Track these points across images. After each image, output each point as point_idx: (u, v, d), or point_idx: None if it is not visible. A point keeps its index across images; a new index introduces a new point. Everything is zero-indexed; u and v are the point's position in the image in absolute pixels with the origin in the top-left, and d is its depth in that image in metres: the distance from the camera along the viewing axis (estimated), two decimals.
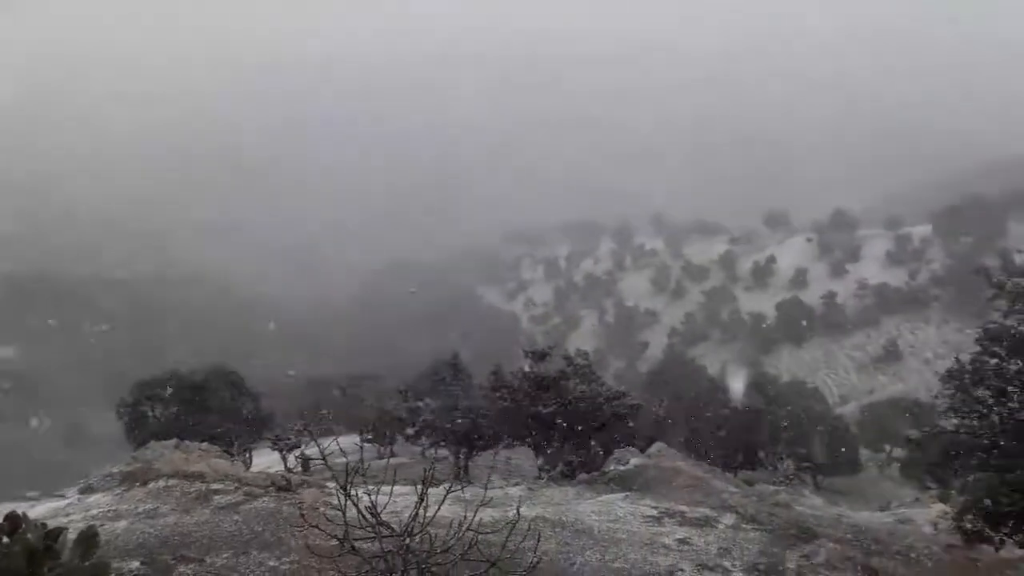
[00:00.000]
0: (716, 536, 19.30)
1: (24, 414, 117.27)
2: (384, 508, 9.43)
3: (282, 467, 36.64)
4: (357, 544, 8.61)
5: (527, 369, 29.61)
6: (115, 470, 22.20)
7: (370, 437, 44.96)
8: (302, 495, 20.54)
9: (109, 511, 17.99)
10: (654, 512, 21.48)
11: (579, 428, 28.46)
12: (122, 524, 16.78)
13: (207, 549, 15.37)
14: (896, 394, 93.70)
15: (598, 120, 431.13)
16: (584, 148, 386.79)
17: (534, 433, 29.29)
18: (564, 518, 19.64)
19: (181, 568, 13.97)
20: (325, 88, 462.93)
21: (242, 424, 39.65)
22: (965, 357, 15.70)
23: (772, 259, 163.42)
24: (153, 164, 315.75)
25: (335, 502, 8.76)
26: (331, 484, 16.44)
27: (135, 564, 13.81)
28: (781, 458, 41.86)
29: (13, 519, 6.52)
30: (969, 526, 15.66)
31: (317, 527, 9.02)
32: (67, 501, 21.33)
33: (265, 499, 19.59)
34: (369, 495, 8.90)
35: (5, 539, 6.36)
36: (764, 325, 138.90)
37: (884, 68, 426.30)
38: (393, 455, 44.58)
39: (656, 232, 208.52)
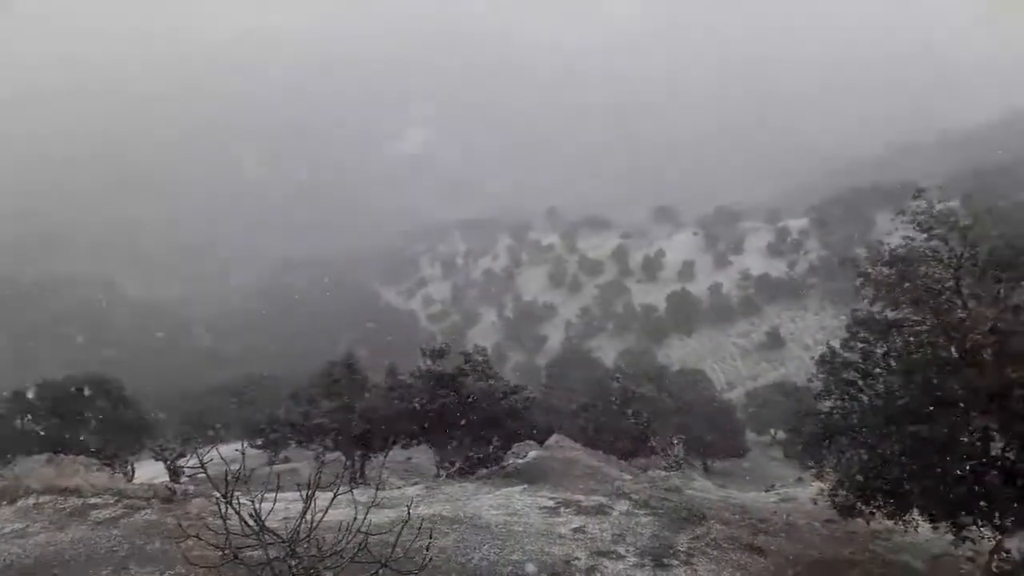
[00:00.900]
0: (611, 523, 19.79)
1: None
2: (269, 515, 9.15)
3: (167, 478, 34.98)
4: (243, 553, 8.31)
5: (424, 367, 29.37)
6: None
7: (260, 443, 43.56)
8: (188, 506, 19.75)
9: None
10: (551, 503, 21.81)
11: (477, 424, 28.49)
12: None
13: (83, 567, 14.57)
14: (778, 379, 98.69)
15: (490, 117, 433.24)
16: (479, 145, 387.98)
17: (432, 431, 29.11)
18: (462, 514, 19.66)
19: None
20: (219, 86, 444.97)
21: (123, 435, 37.51)
22: (836, 343, 16.71)
23: (661, 253, 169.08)
24: (40, 166, 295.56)
25: (228, 512, 8.42)
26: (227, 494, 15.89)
27: None
28: (672, 444, 43.29)
29: None
30: (842, 501, 16.59)
31: (197, 537, 8.64)
32: None
33: (147, 512, 18.80)
34: (254, 503, 8.59)
35: None
36: (655, 316, 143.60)
37: (761, 70, 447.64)
38: (287, 460, 43.39)
39: (551, 228, 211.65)
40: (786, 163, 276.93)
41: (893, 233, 15.02)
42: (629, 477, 28.63)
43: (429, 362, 29.40)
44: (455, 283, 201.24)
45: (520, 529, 18.66)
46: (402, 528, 9.05)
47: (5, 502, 18.82)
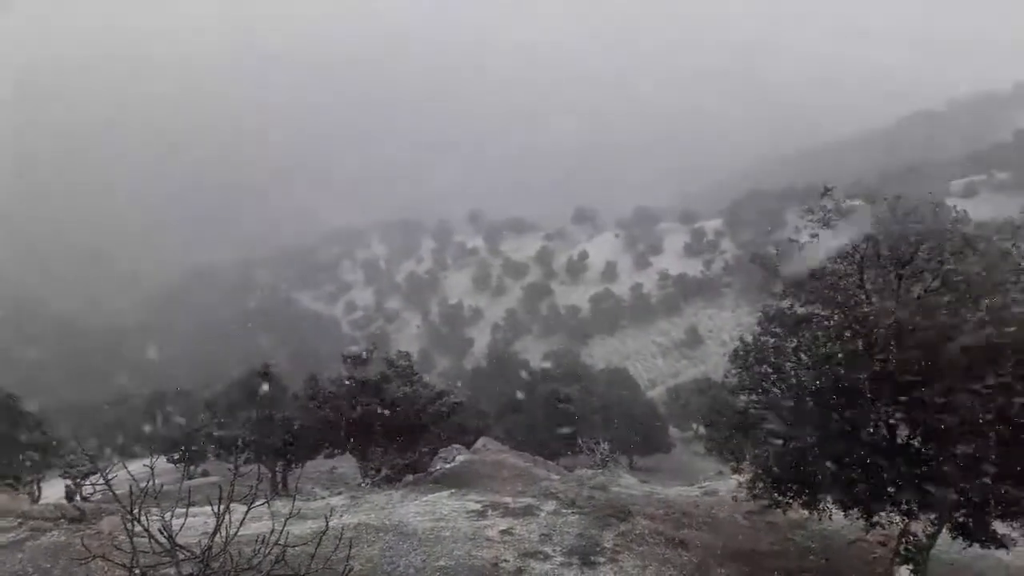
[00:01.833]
0: (538, 524, 19.86)
1: None
2: (185, 531, 8.78)
3: (77, 498, 33.29)
4: (154, 571, 7.96)
5: (346, 374, 28.83)
6: None
7: (176, 457, 42.03)
8: (100, 525, 18.91)
9: None
10: (478, 506, 21.76)
11: (402, 430, 28.16)
12: None
13: None
14: (698, 375, 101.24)
15: (407, 118, 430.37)
16: (395, 146, 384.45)
17: (355, 440, 28.60)
18: (387, 522, 19.38)
19: None
20: (113, 84, 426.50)
21: (24, 454, 35.43)
22: (748, 338, 17.21)
23: (584, 254, 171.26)
24: None
25: (138, 529, 8.04)
26: (135, 511, 15.21)
27: None
28: (598, 442, 43.84)
29: None
30: (760, 493, 17.08)
31: (104, 557, 8.23)
32: None
33: (55, 533, 18.00)
34: (165, 518, 8.23)
35: None
36: (579, 317, 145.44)
37: (674, 77, 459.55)
38: (206, 474, 41.95)
39: (474, 230, 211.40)
40: (697, 165, 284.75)
41: (802, 231, 15.56)
42: (556, 477, 28.86)
43: (350, 368, 28.89)
44: (378, 287, 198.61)
45: (447, 534, 18.54)
46: (320, 538, 8.82)
47: None
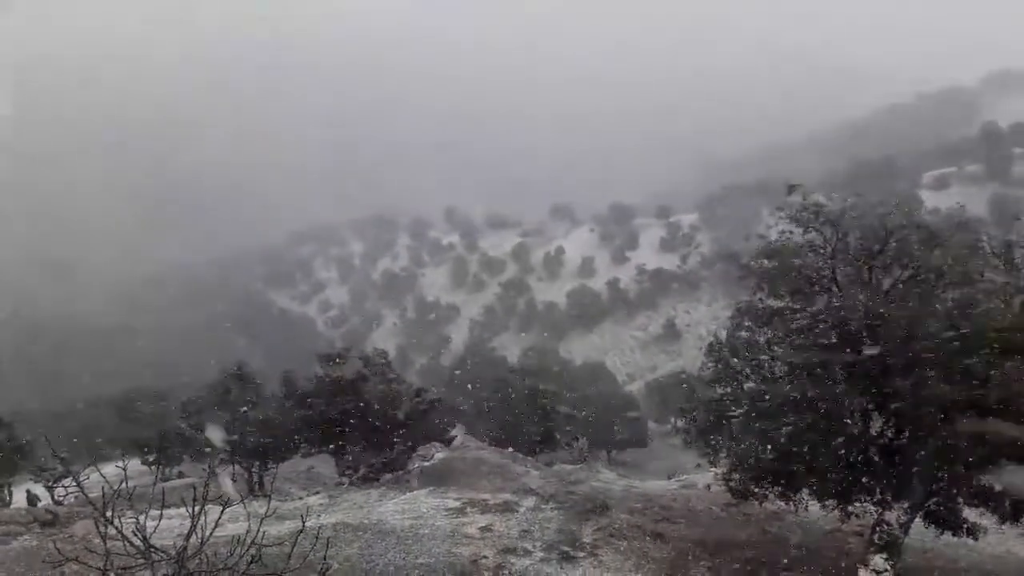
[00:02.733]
0: (517, 520, 19.89)
1: None
2: (161, 533, 8.69)
3: (49, 501, 32.76)
4: (128, 573, 7.87)
5: (322, 373, 28.66)
6: None
7: (152, 459, 41.56)
8: (73, 528, 18.69)
9: None
10: (457, 504, 21.73)
11: (380, 428, 28.07)
12: None
13: None
14: (676, 369, 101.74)
15: (381, 115, 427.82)
16: (370, 143, 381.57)
17: (332, 439, 28.46)
18: (366, 521, 19.30)
19: None
20: (77, 80, 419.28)
21: None
22: (723, 333, 17.36)
23: (561, 250, 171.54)
24: None
25: (112, 532, 7.95)
26: (108, 514, 15.08)
27: None
28: (576, 437, 43.99)
29: None
30: (736, 485, 17.23)
31: (77, 560, 8.13)
32: None
33: (27, 537, 17.75)
34: (139, 520, 8.15)
35: None
36: (557, 312, 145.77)
37: (644, 70, 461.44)
38: (182, 476, 41.50)
39: (451, 227, 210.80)
40: (672, 160, 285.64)
41: (773, 227, 15.70)
42: (536, 473, 28.86)
43: (326, 368, 28.72)
44: (353, 285, 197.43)
45: (426, 532, 18.50)
46: (297, 538, 8.76)
47: None
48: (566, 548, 17.70)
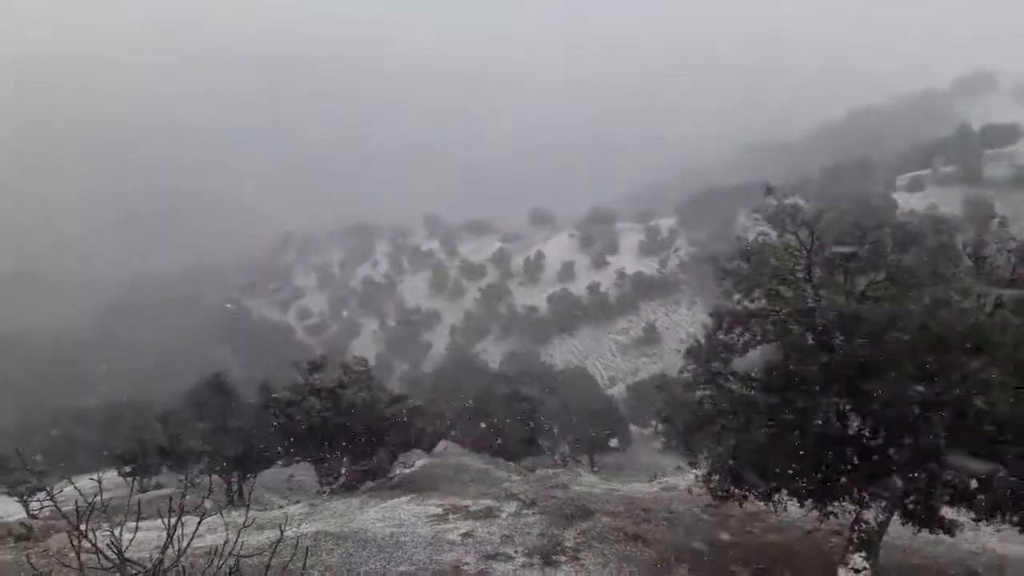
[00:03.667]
0: (499, 525, 19.83)
1: None
2: (137, 545, 8.55)
3: (24, 515, 32.18)
4: None
5: (301, 382, 28.41)
6: None
7: (129, 470, 40.94)
8: (47, 542, 18.35)
9: None
10: (439, 510, 21.64)
11: (360, 436, 27.87)
12: None
13: None
14: (657, 373, 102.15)
15: (358, 122, 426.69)
16: (348, 150, 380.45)
17: (312, 447, 28.21)
18: (346, 530, 19.14)
19: None
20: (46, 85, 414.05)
21: None
22: (702, 335, 17.41)
23: (541, 255, 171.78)
24: None
25: (86, 546, 7.79)
26: (82, 527, 14.84)
27: None
28: (559, 442, 44.02)
29: None
30: (716, 487, 17.29)
31: (51, 574, 7.96)
32: None
33: (0, 551, 17.35)
34: (113, 533, 8.00)
35: None
36: (538, 317, 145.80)
37: (621, 73, 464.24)
38: (159, 487, 40.95)
39: (431, 233, 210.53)
40: (650, 163, 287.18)
41: (750, 229, 15.81)
42: (518, 478, 28.83)
43: (305, 376, 28.47)
44: (332, 293, 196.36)
45: (408, 540, 18.38)
46: (275, 548, 8.65)
47: None
48: (548, 553, 17.67)
